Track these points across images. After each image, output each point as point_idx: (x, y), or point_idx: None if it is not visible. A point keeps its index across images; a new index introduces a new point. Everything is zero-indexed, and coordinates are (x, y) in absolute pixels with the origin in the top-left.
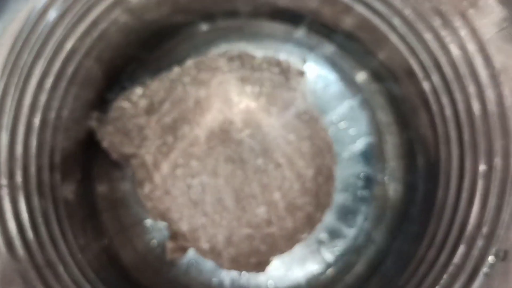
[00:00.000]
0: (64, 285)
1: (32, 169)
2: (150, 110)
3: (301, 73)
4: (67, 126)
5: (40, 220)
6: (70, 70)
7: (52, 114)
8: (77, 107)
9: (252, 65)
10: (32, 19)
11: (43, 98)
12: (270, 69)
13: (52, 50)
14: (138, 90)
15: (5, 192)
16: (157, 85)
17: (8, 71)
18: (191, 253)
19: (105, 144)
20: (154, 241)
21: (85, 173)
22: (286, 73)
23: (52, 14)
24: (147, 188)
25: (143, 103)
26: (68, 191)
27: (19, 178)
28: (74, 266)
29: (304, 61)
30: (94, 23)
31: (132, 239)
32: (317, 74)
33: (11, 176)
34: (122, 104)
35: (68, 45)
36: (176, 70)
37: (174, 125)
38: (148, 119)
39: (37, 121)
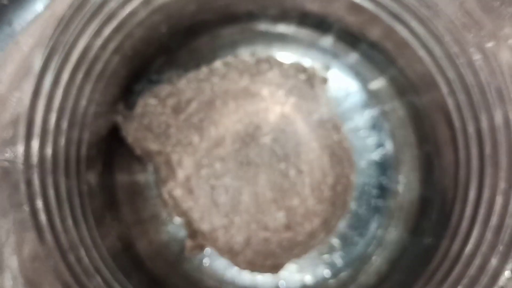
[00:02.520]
0: (84, 268)
1: (61, 158)
2: (177, 108)
3: (325, 80)
4: (94, 118)
5: (65, 205)
6: (99, 66)
7: (81, 110)
8: (103, 101)
9: (280, 69)
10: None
11: (73, 91)
12: (297, 75)
13: (84, 46)
14: (166, 88)
15: (35, 174)
16: (185, 84)
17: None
18: (206, 250)
19: (130, 139)
20: (170, 234)
21: (106, 165)
22: (311, 79)
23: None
24: (170, 186)
25: (170, 101)
26: (91, 179)
27: (48, 164)
28: (94, 251)
29: (328, 68)
30: (124, 21)
31: (149, 231)
32: (340, 83)
33: (41, 160)
34: (149, 100)
35: (98, 42)
36: (204, 70)
37: (201, 125)
38: (175, 118)
39: (67, 113)
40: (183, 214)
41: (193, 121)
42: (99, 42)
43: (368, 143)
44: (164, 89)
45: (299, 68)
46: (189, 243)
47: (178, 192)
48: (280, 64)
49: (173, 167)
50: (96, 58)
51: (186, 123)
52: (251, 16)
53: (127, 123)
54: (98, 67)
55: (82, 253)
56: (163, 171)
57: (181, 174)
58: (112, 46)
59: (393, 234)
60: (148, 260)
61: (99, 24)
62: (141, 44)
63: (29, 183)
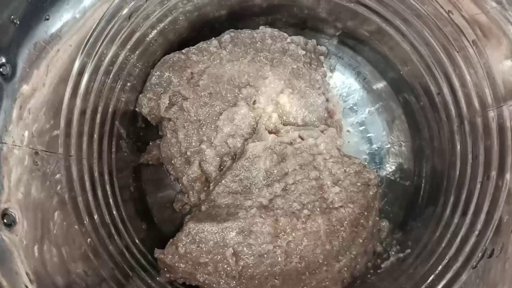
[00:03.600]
0: (116, 245)
1: (95, 148)
2: (190, 80)
3: (324, 53)
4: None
5: (99, 190)
6: (125, 71)
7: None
8: (130, 99)
9: (282, 44)
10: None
11: (104, 92)
12: (297, 49)
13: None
14: (180, 59)
15: (74, 163)
16: (197, 57)
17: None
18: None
19: (144, 111)
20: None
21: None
22: (311, 52)
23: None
24: (173, 150)
25: (185, 73)
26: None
27: (84, 154)
28: (123, 230)
29: (332, 69)
30: (165, 15)
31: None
32: (343, 82)
33: (79, 151)
34: (164, 72)
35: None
36: (214, 42)
37: (210, 101)
38: (188, 91)
39: (99, 111)
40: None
41: (203, 96)
42: (124, 51)
43: (368, 137)
44: (178, 60)
45: (300, 42)
46: (177, 198)
47: (177, 162)
48: (283, 38)
49: (178, 138)
50: (122, 64)
51: (197, 96)
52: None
53: (142, 96)
54: (125, 72)
55: (113, 231)
56: (169, 136)
57: (184, 145)
58: (135, 57)
59: (387, 224)
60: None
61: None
62: (176, 31)
63: (68, 168)
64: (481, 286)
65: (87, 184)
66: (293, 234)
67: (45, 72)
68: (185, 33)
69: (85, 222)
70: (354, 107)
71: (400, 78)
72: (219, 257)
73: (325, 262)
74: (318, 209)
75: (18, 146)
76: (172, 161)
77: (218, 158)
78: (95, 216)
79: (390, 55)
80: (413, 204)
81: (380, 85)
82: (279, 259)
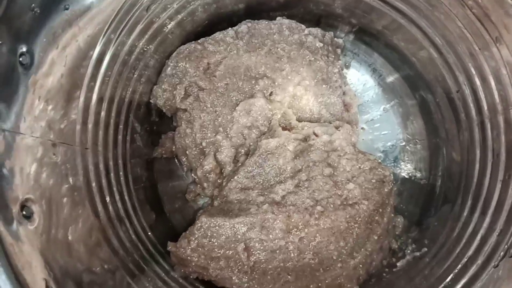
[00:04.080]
0: (128, 235)
1: (110, 142)
2: (207, 70)
3: (341, 45)
4: (137, 107)
5: (113, 184)
6: (142, 62)
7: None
8: (146, 91)
9: (300, 36)
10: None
11: (121, 83)
12: (315, 41)
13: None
14: (196, 49)
15: (89, 154)
16: (213, 47)
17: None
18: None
19: (159, 102)
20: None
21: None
22: (328, 45)
23: None
24: (187, 140)
25: (202, 64)
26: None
27: (100, 147)
28: (135, 220)
29: (348, 66)
30: (183, 7)
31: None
32: (358, 79)
33: (94, 143)
34: (180, 62)
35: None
36: (230, 32)
37: (226, 92)
38: (205, 81)
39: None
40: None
41: (220, 87)
42: (141, 41)
43: (383, 134)
44: (194, 50)
45: (317, 34)
46: (189, 189)
47: (192, 152)
48: (301, 29)
49: (193, 128)
50: (139, 54)
51: (213, 87)
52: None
53: (156, 88)
54: (142, 63)
55: (127, 223)
56: (183, 126)
57: (198, 137)
58: (152, 47)
59: (401, 220)
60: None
61: (143, 25)
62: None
63: (84, 158)
64: (504, 286)
65: (102, 172)
66: (306, 230)
67: (63, 62)
68: (202, 25)
69: (98, 209)
70: (369, 104)
71: (417, 75)
72: (231, 252)
73: (340, 259)
74: (332, 206)
75: (36, 137)
76: (187, 152)
77: (233, 149)
78: (108, 203)
79: (407, 51)
80: (429, 203)
81: (396, 82)
82: (292, 255)
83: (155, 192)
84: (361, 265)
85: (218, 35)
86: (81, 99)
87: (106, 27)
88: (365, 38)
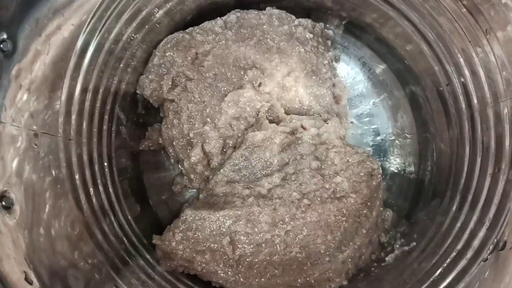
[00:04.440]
0: (112, 228)
1: (95, 133)
2: (195, 60)
3: (331, 38)
4: (123, 97)
5: (97, 170)
6: (129, 52)
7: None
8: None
9: (290, 27)
10: None
11: (106, 72)
12: (305, 32)
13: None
14: (184, 39)
15: (72, 145)
16: (202, 37)
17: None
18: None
19: (146, 92)
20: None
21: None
22: (318, 36)
23: None
24: (175, 131)
25: (190, 54)
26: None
27: (84, 138)
28: (120, 213)
29: (337, 59)
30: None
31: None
32: (347, 73)
33: (78, 134)
34: (168, 51)
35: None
36: (219, 22)
37: (215, 82)
38: (193, 71)
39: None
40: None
41: (208, 77)
42: (128, 30)
43: (372, 129)
44: (182, 40)
45: (308, 25)
46: (176, 181)
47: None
48: (290, 20)
49: (181, 118)
50: (126, 44)
51: (201, 77)
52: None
53: (143, 78)
54: (128, 52)
55: (111, 216)
56: (170, 117)
57: (186, 128)
58: (139, 37)
59: (391, 213)
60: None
61: (130, 13)
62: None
63: (67, 149)
64: (494, 279)
65: (85, 164)
66: (292, 223)
67: (46, 50)
68: (191, 15)
69: (82, 201)
70: (359, 98)
71: (407, 68)
72: (216, 245)
73: (327, 253)
74: (319, 199)
75: (17, 126)
76: (174, 143)
77: (221, 140)
78: (92, 196)
79: (396, 44)
80: (418, 197)
81: (386, 76)
82: (278, 248)
83: (141, 184)
84: (349, 259)
85: (206, 24)
86: (65, 88)
87: (92, 14)
88: (355, 31)
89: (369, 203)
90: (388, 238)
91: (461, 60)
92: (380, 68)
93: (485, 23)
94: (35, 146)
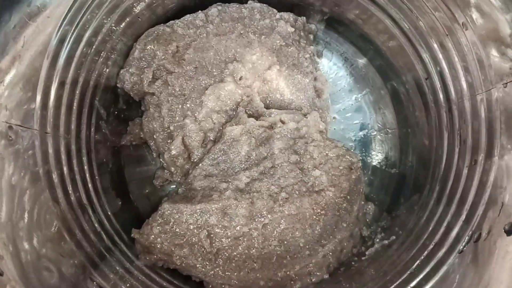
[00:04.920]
0: (91, 224)
1: (73, 127)
2: (175, 54)
3: (313, 32)
4: (103, 91)
5: (75, 166)
6: (109, 44)
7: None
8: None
9: (271, 20)
10: None
11: (85, 65)
12: (287, 26)
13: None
14: (165, 32)
15: (49, 139)
16: (183, 30)
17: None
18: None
19: (126, 86)
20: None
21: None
22: (300, 30)
23: None
24: (155, 124)
25: (170, 47)
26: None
27: (61, 132)
28: (99, 208)
29: (320, 55)
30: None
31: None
32: (330, 68)
33: (56, 127)
34: (150, 45)
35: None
36: (200, 15)
37: (195, 75)
38: (173, 65)
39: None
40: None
41: (189, 70)
42: (108, 22)
43: (354, 124)
44: (163, 33)
45: (289, 19)
46: (157, 174)
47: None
48: (272, 13)
49: (161, 111)
50: (106, 36)
51: (182, 70)
52: None
53: (124, 71)
54: (108, 45)
55: (89, 210)
56: (152, 110)
57: (167, 120)
58: (119, 29)
59: (372, 207)
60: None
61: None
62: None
63: (43, 145)
64: (470, 269)
65: (63, 159)
66: (270, 216)
67: (23, 45)
68: (173, 10)
69: (59, 197)
70: (341, 94)
71: (388, 64)
72: (194, 239)
73: (307, 246)
74: (297, 192)
75: None
76: (154, 136)
77: (202, 133)
78: (70, 191)
79: (378, 40)
80: (399, 191)
81: (368, 71)
82: (256, 241)
83: (122, 178)
84: (330, 253)
85: (187, 17)
86: (42, 78)
87: (70, 4)
88: (337, 27)
89: (348, 197)
90: (369, 232)
91: (439, 54)
92: (362, 63)
93: (462, 17)
94: (10, 140)
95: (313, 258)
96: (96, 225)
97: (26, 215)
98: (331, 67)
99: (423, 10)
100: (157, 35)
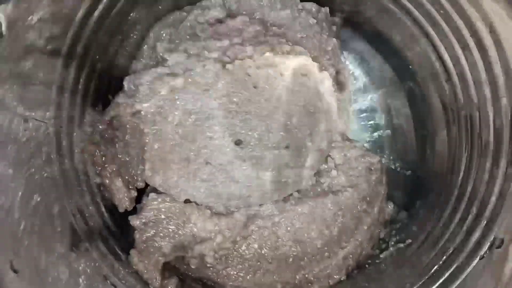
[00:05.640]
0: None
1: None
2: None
3: (336, 23)
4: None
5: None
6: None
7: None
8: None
9: (292, 10)
10: None
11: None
12: (308, 17)
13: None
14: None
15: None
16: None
17: None
18: None
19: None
20: None
21: None
22: (322, 21)
23: None
24: None
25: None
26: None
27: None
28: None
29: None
30: None
31: None
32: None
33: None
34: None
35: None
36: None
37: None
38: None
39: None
40: None
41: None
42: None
43: (370, 125)
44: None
45: (312, 10)
46: None
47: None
48: (294, 4)
49: None
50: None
51: None
52: None
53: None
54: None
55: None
56: None
57: None
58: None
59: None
60: None
61: None
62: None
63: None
64: (491, 276)
65: None
66: (280, 215)
67: None
68: None
69: None
70: (357, 93)
71: (406, 63)
72: None
73: (326, 248)
74: (312, 193)
75: None
76: None
77: None
78: None
79: (396, 39)
80: (415, 194)
81: (384, 71)
82: (268, 240)
83: None
84: (351, 255)
85: (204, 3)
86: None
87: None
88: (354, 25)
89: (368, 198)
90: (384, 234)
91: (461, 54)
92: (379, 63)
93: (487, 18)
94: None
95: (333, 260)
96: None
97: None
98: (348, 67)
99: (445, 10)
100: (173, 20)
